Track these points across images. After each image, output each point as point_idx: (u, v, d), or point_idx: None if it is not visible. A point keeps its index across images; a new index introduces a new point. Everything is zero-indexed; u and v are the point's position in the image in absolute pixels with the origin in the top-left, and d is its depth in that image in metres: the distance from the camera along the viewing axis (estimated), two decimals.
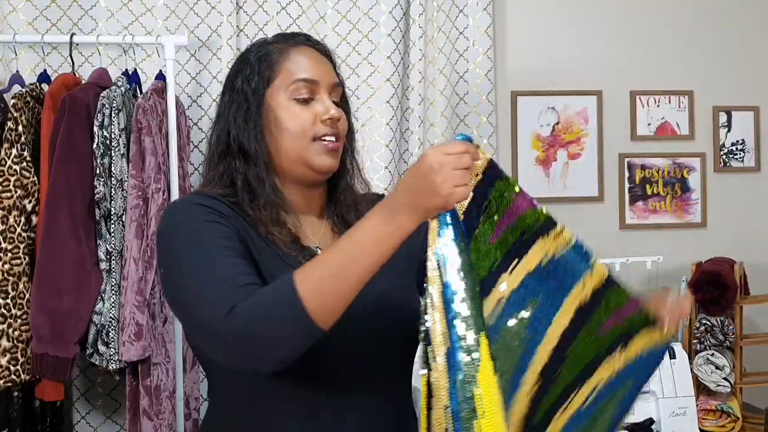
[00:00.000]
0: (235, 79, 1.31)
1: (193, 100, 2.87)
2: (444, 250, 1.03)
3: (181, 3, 2.86)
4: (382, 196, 1.42)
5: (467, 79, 2.97)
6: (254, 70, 1.30)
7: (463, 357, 1.00)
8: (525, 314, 1.12)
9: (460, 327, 1.00)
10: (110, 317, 2.40)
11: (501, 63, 3.06)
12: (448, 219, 1.03)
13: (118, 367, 2.41)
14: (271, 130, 1.27)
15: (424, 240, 1.07)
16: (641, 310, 1.17)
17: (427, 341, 1.02)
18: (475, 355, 1.00)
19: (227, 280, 1.11)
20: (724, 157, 3.18)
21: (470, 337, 1.00)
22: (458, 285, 1.02)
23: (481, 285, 1.06)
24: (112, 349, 2.40)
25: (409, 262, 1.29)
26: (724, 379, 2.74)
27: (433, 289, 1.02)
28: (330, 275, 1.06)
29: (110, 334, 2.40)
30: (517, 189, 1.08)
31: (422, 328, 1.03)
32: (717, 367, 2.75)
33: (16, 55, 2.63)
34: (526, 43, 3.09)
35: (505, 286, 1.10)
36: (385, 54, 2.90)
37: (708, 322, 2.79)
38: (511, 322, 1.11)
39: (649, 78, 3.15)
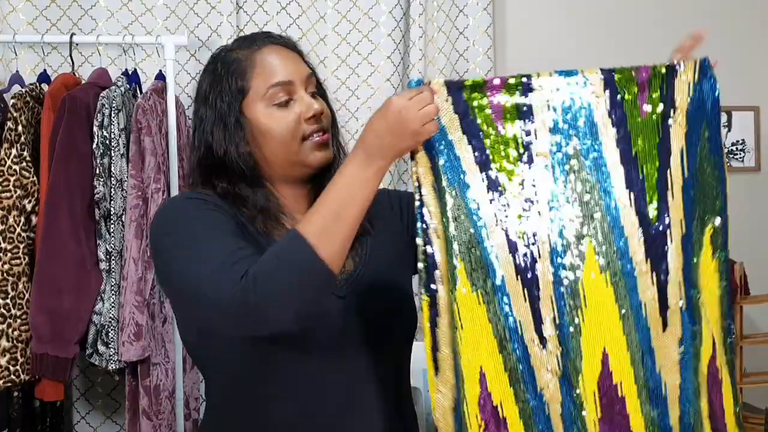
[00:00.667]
0: (206, 94, 1.29)
1: (193, 100, 2.86)
2: (435, 183, 1.13)
3: (181, 3, 2.86)
4: None
5: None
6: (225, 84, 1.27)
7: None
8: (571, 148, 1.14)
9: (452, 254, 1.11)
10: (110, 317, 2.40)
11: (501, 63, 3.06)
12: (427, 156, 1.13)
13: (117, 367, 2.41)
14: (257, 140, 1.26)
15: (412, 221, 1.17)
16: (654, 68, 1.19)
17: (430, 265, 1.12)
18: (456, 280, 1.11)
19: (231, 253, 1.11)
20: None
21: (456, 264, 1.11)
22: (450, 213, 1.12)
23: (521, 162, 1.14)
24: (111, 349, 2.40)
25: (400, 241, 1.34)
26: None
27: (431, 217, 1.13)
28: (331, 220, 1.10)
29: (110, 334, 2.40)
30: (482, 82, 1.14)
31: (421, 250, 1.13)
32: None
33: (16, 55, 2.63)
34: (526, 43, 3.09)
35: (541, 147, 1.14)
36: (385, 54, 2.91)
37: None
38: (568, 165, 1.14)
39: None
